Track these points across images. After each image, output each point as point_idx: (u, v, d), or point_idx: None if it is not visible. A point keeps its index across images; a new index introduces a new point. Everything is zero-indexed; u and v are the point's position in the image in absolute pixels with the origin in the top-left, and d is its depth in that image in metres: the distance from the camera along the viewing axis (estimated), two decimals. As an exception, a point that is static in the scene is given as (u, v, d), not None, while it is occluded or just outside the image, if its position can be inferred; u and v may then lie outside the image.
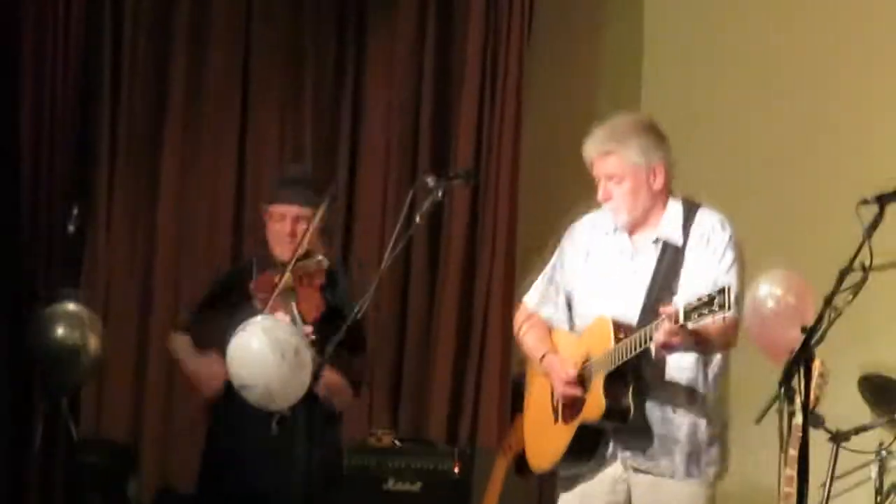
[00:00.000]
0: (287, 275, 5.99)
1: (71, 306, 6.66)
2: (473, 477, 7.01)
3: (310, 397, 5.78)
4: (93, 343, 6.54)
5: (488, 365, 7.61)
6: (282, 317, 5.97)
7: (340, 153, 7.83)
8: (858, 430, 6.22)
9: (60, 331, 6.55)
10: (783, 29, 7.38)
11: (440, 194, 5.68)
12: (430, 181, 5.73)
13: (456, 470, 7.03)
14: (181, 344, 6.34)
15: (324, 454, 6.05)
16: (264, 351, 5.57)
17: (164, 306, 7.45)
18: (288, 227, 6.02)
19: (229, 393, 5.92)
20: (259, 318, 5.71)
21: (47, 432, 6.93)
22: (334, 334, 5.65)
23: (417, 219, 5.58)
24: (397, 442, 7.27)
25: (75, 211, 6.87)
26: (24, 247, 7.31)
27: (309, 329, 5.87)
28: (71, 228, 6.87)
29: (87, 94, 7.49)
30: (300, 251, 6.00)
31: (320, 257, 6.08)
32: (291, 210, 6.02)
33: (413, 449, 7.26)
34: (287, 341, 5.59)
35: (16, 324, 7.05)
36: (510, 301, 7.28)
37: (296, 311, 5.96)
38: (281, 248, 6.04)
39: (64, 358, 6.55)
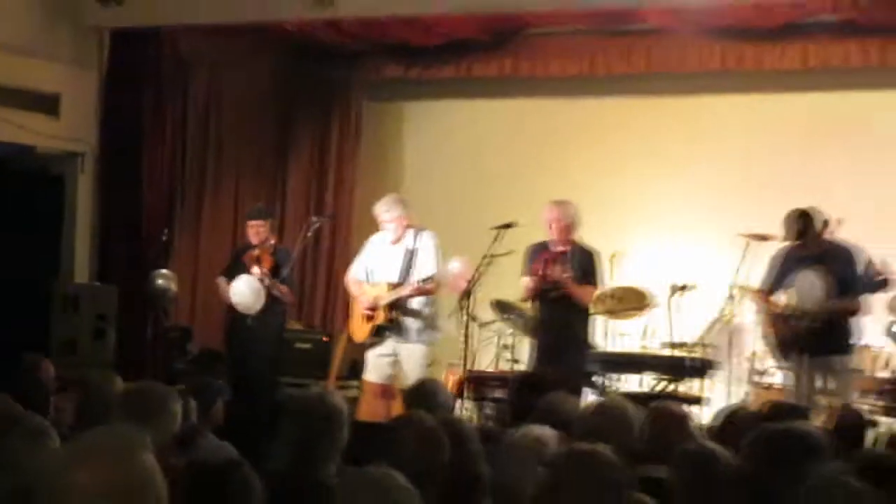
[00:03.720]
0: (256, 253, 9.14)
1: (164, 271, 10.01)
2: (333, 344, 10.26)
3: (269, 304, 8.57)
4: (173, 287, 9.94)
5: (339, 292, 11.02)
6: (256, 270, 9.05)
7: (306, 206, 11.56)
8: (493, 322, 9.85)
9: (160, 281, 9.87)
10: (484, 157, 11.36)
11: (317, 225, 9.53)
12: (315, 219, 9.54)
13: (324, 339, 10.71)
14: (221, 281, 9.34)
15: (274, 331, 9.06)
16: (243, 287, 8.87)
17: (211, 274, 10.50)
18: (252, 230, 9.12)
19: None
20: (243, 275, 8.93)
21: (154, 327, 10.27)
22: (278, 277, 8.73)
23: (309, 234, 9.30)
24: (301, 327, 10.98)
25: (166, 230, 10.35)
26: (142, 246, 10.48)
27: (261, 273, 8.96)
28: (164, 238, 10.26)
29: (174, 177, 10.85)
30: (257, 240, 8.96)
31: (271, 243, 9.00)
32: (252, 222, 9.12)
33: (309, 330, 11.04)
34: (253, 282, 8.80)
35: (141, 281, 10.06)
36: (346, 266, 9.39)
37: (258, 269, 9.09)
38: (254, 240, 9.13)
39: (160, 294, 9.86)
